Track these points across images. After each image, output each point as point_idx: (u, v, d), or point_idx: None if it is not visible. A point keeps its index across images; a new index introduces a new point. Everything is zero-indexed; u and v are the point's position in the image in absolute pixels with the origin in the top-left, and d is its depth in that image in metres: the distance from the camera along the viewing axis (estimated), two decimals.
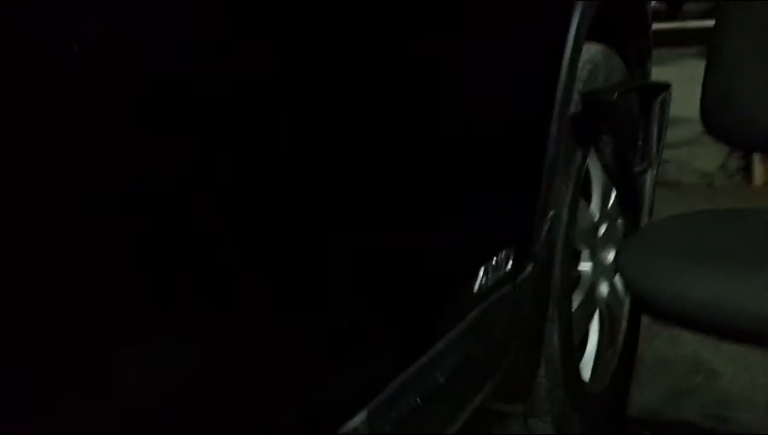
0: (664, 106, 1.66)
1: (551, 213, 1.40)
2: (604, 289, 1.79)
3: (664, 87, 1.66)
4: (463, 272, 1.17)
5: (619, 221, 1.85)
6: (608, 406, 1.83)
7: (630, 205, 1.60)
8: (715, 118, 1.66)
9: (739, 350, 2.15)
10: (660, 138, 1.65)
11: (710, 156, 3.18)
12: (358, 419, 0.95)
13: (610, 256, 1.82)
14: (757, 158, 3.19)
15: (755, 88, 1.62)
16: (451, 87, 1.05)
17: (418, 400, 1.06)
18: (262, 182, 0.71)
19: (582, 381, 1.69)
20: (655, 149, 1.63)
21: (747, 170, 3.24)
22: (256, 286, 0.73)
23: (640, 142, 1.57)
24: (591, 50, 1.56)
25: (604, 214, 1.75)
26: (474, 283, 1.20)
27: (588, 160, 1.60)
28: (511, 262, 1.29)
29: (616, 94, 1.47)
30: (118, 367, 0.59)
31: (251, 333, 0.74)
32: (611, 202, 1.77)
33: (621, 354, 1.90)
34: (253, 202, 0.71)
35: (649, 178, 1.65)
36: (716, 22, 1.65)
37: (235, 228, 0.69)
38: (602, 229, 1.75)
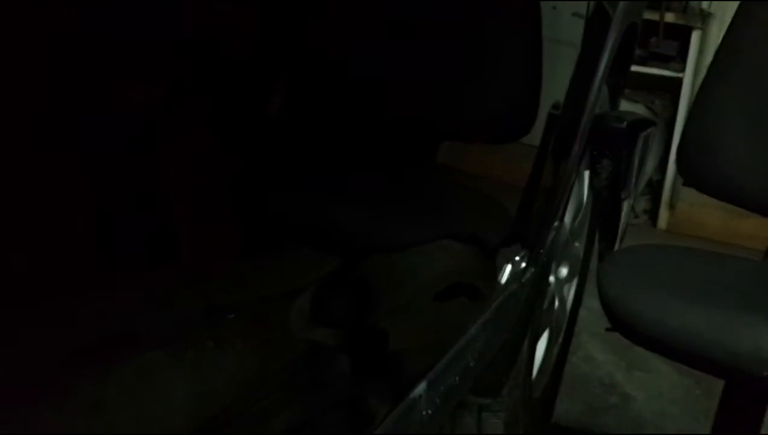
0: (648, 141, 1.76)
1: (556, 223, 1.47)
2: (556, 303, 1.89)
3: (652, 123, 1.76)
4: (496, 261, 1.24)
5: (576, 243, 1.95)
6: (540, 412, 1.92)
7: (610, 229, 1.69)
8: (691, 164, 1.77)
9: (649, 378, 2.30)
10: (640, 171, 1.75)
11: None
12: (421, 387, 1.01)
13: (564, 272, 1.92)
14: (664, 203, 3.38)
15: (735, 142, 1.74)
16: None
17: (456, 378, 1.12)
18: None
19: (532, 385, 1.77)
20: (634, 180, 1.73)
21: (653, 213, 3.42)
22: None
23: (626, 172, 1.66)
24: None
25: (571, 233, 1.85)
26: (501, 275, 1.26)
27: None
28: (524, 263, 1.36)
29: (625, 123, 1.55)
30: None
31: None
32: (576, 223, 1.87)
33: (554, 365, 2.00)
34: None
35: (626, 206, 1.75)
36: (709, 70, 1.76)
37: None
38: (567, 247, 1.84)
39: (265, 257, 0.75)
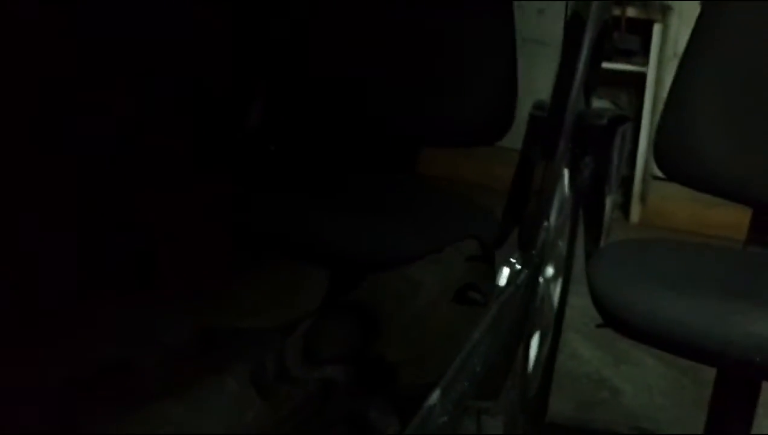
0: (625, 137, 1.78)
1: (545, 223, 1.48)
2: (544, 302, 1.90)
3: (627, 119, 1.78)
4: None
5: (560, 242, 1.97)
6: (535, 411, 1.93)
7: (595, 226, 1.70)
8: (669, 156, 1.79)
9: (636, 371, 2.32)
10: (619, 166, 1.77)
11: None
12: (436, 395, 1.01)
13: (550, 271, 1.93)
14: (636, 197, 3.41)
15: (712, 132, 1.76)
16: None
17: (466, 384, 1.12)
18: None
19: (528, 385, 1.78)
20: (615, 176, 1.75)
21: (625, 207, 3.46)
22: None
23: (608, 168, 1.68)
24: None
25: (554, 233, 1.86)
26: (499, 277, 1.27)
27: None
28: (519, 265, 1.37)
29: (606, 119, 1.57)
30: None
31: None
32: (559, 222, 1.89)
33: (545, 364, 2.01)
34: None
35: (609, 202, 1.77)
36: (682, 60, 1.77)
37: None
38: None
39: (257, 279, 0.73)
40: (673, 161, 1.80)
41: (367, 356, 0.93)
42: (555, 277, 1.97)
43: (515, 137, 1.40)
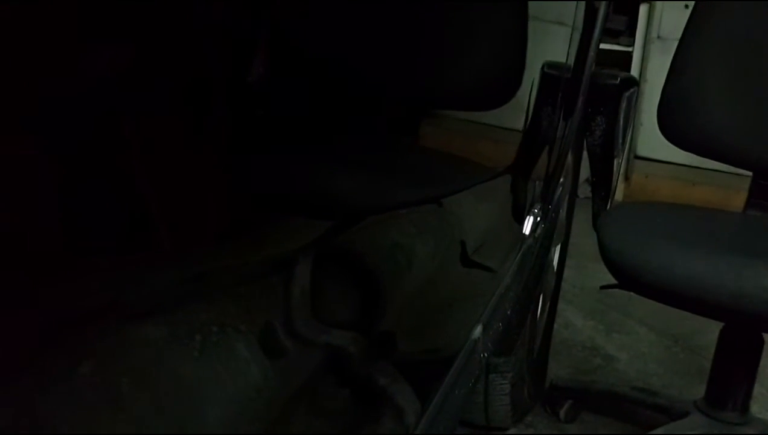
0: (631, 100, 1.80)
1: (561, 179, 1.50)
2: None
3: (635, 83, 1.80)
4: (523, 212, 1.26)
5: (560, 210, 1.99)
6: (535, 375, 1.95)
7: (604, 187, 1.72)
8: (672, 121, 1.82)
9: (628, 339, 2.35)
10: (626, 129, 1.79)
11: None
12: (478, 330, 1.02)
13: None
14: (619, 175, 3.45)
15: (714, 99, 1.79)
16: None
17: (500, 324, 1.13)
18: None
19: (534, 346, 1.80)
20: (621, 139, 1.77)
21: None
22: None
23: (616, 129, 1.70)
24: None
25: None
26: (524, 226, 1.28)
27: None
28: (540, 217, 1.38)
29: (619, 79, 1.58)
30: None
31: None
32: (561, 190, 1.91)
33: (544, 329, 2.03)
34: None
35: (616, 164, 1.79)
36: (685, 30, 1.80)
37: None
38: None
39: (254, 231, 0.69)
40: (675, 127, 1.83)
41: (375, 327, 0.90)
42: (555, 243, 1.99)
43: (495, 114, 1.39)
